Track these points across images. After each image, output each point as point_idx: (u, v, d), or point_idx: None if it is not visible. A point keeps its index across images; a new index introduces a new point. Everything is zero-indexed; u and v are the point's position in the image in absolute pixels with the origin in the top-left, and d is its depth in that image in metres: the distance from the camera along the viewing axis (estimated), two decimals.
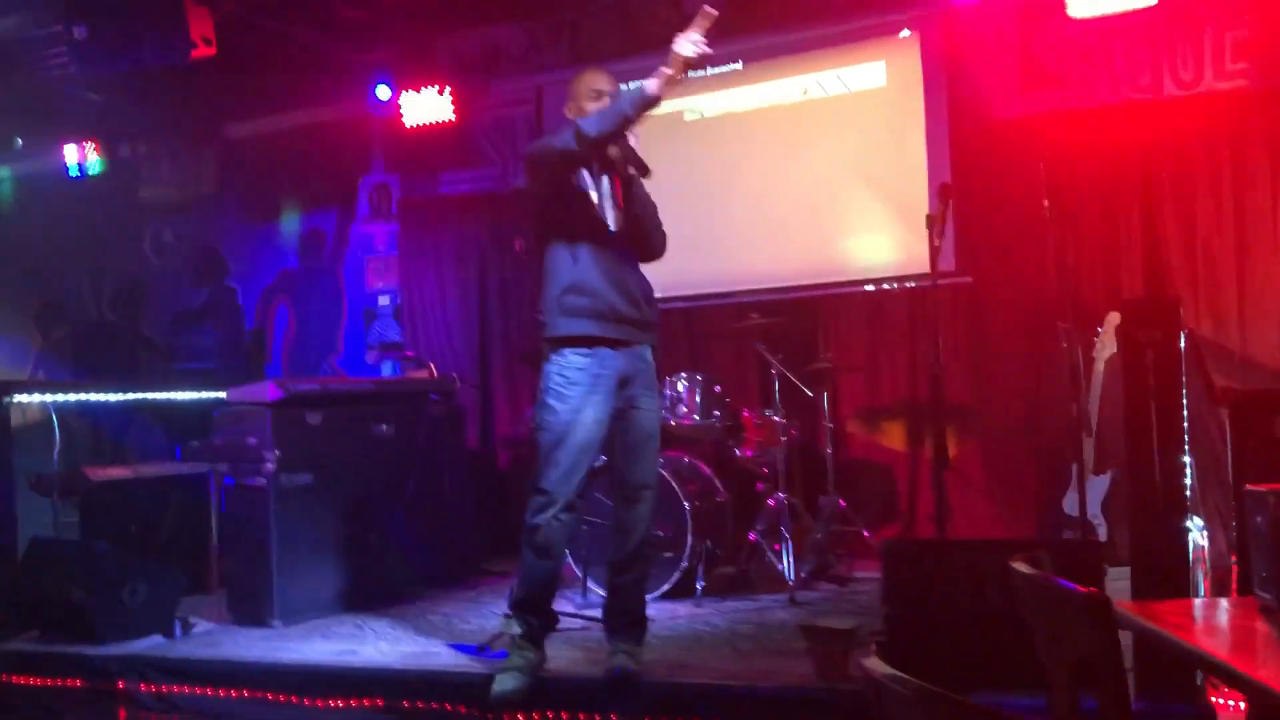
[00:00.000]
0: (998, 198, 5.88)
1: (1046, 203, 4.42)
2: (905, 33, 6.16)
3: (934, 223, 4.26)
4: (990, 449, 5.97)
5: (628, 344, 3.66)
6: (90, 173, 8.41)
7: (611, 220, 3.71)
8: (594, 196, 3.71)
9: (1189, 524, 3.22)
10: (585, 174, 3.72)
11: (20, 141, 7.91)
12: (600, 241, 3.65)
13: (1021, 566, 1.85)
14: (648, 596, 4.02)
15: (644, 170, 3.67)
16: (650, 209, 3.74)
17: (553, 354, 3.64)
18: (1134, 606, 1.99)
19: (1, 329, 8.92)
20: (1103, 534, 4.97)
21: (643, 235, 3.73)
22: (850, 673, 3.52)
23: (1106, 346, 5.04)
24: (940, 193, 4.47)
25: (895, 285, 6.09)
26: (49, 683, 4.48)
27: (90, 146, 8.37)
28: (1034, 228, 5.64)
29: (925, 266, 4.58)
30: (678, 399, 5.29)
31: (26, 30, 6.87)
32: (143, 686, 4.30)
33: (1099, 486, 5.08)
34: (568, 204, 3.69)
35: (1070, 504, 5.10)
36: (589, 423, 3.58)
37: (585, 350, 3.60)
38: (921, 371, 6.05)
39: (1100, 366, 5.06)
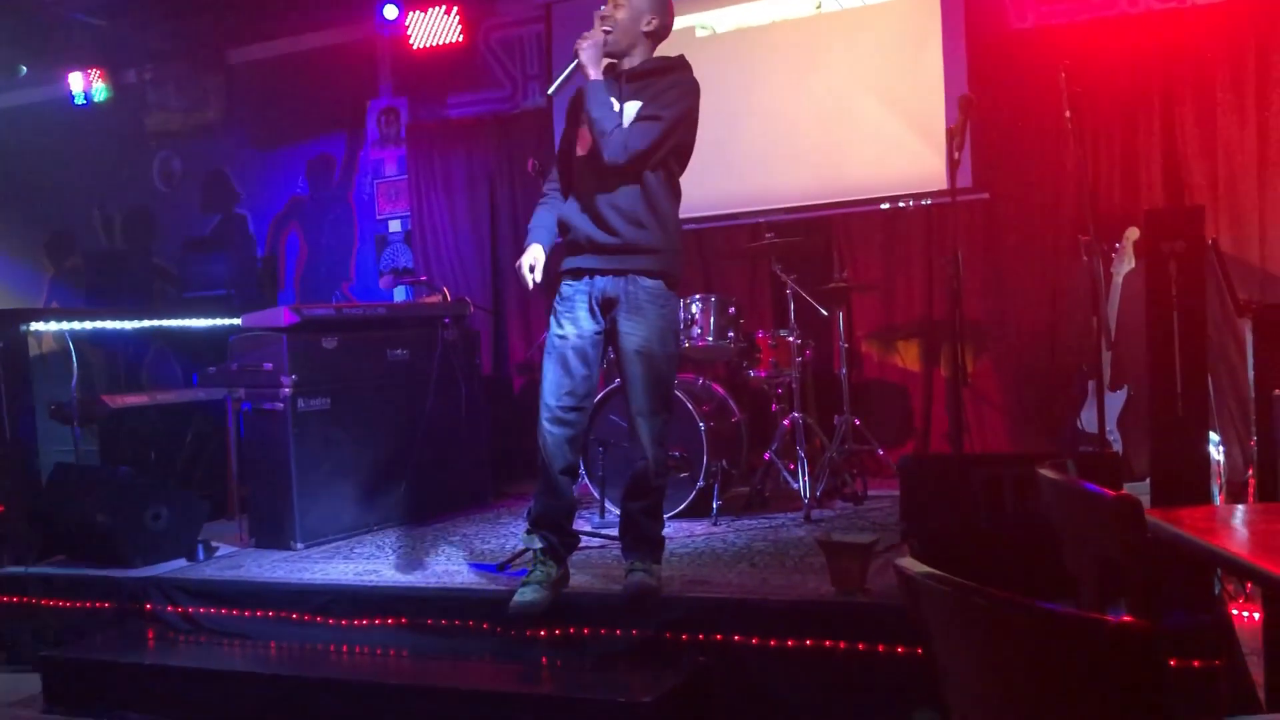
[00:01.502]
0: (1016, 111, 5.79)
1: (1068, 114, 4.35)
2: None
3: (953, 136, 4.19)
4: (1007, 366, 5.95)
5: (608, 270, 3.68)
6: (96, 100, 8.34)
7: (583, 146, 3.71)
8: (580, 133, 3.75)
9: (1208, 439, 3.22)
10: (579, 115, 3.75)
11: (24, 69, 7.82)
12: (583, 175, 3.71)
13: (1049, 472, 1.85)
14: (664, 515, 4.04)
15: (577, 64, 3.64)
16: (595, 123, 3.58)
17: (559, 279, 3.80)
18: (1157, 513, 1.99)
19: (14, 258, 8.93)
20: (1118, 449, 4.98)
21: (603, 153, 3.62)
22: (867, 586, 3.55)
23: (1125, 261, 5.01)
24: (960, 105, 4.39)
25: (911, 203, 6.02)
26: (79, 604, 4.56)
27: (95, 74, 8.30)
28: (1053, 141, 5.59)
29: (942, 183, 4.54)
30: (691, 320, 5.28)
31: None
32: (169, 608, 4.37)
33: (1115, 403, 5.08)
34: (561, 144, 3.86)
35: (1088, 420, 5.10)
36: (569, 338, 3.69)
37: (572, 276, 3.73)
38: (938, 289, 6.02)
39: (1119, 281, 5.02)
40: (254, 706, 3.86)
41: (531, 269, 3.74)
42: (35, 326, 5.47)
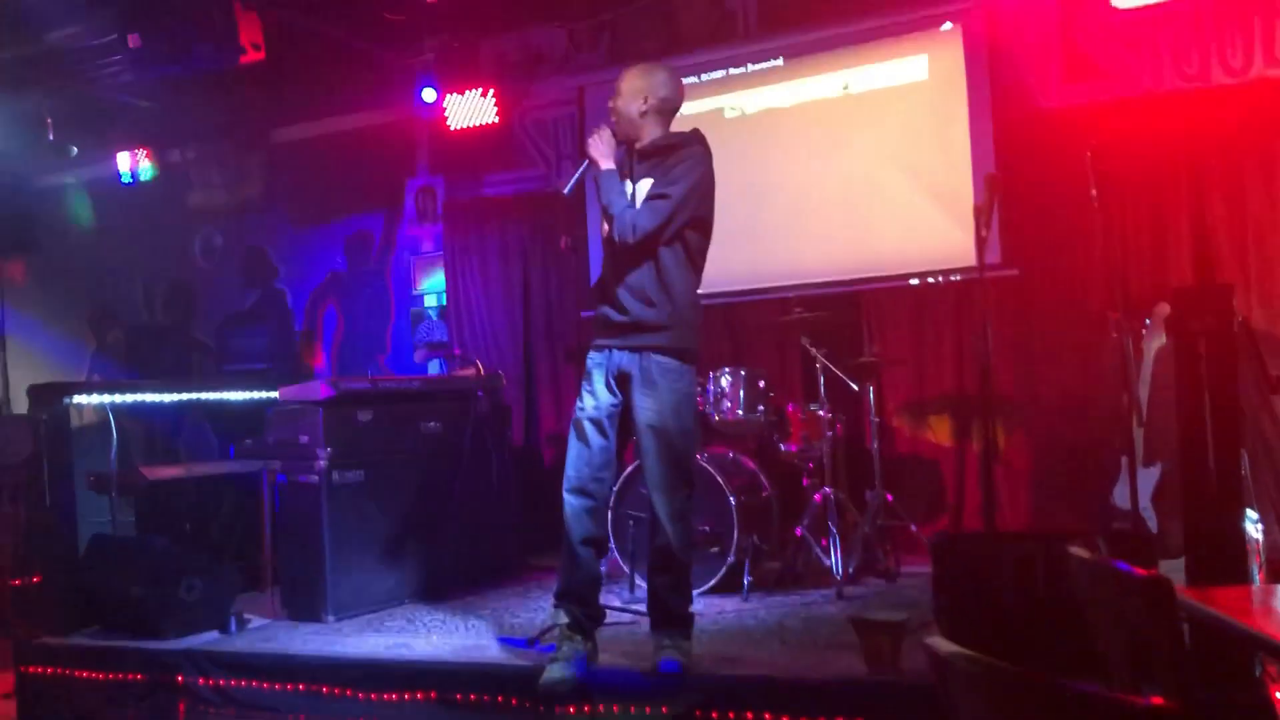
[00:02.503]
0: (1043, 189, 5.83)
1: (1094, 192, 4.38)
2: (947, 25, 6.13)
3: (981, 214, 4.24)
4: (1039, 442, 5.93)
5: (624, 346, 3.77)
6: (142, 179, 8.57)
7: (605, 227, 3.82)
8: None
9: (1243, 515, 3.19)
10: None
11: (75, 150, 8.07)
12: (606, 256, 3.86)
13: (1079, 551, 1.85)
14: (694, 592, 4.04)
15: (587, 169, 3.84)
16: (607, 207, 3.73)
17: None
18: (1192, 592, 1.98)
19: (59, 332, 9.12)
20: (1153, 527, 4.92)
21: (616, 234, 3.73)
22: (900, 665, 3.52)
23: (1156, 337, 5.00)
24: (987, 183, 4.44)
25: (940, 279, 6.06)
26: (111, 676, 4.58)
27: (142, 154, 8.54)
28: (1081, 219, 5.60)
29: (970, 259, 4.55)
30: (721, 394, 5.31)
31: (82, 40, 7.02)
32: (201, 680, 4.39)
33: (1149, 479, 5.03)
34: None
35: (1120, 496, 5.06)
36: (589, 409, 3.80)
37: (595, 350, 3.87)
38: (968, 364, 6.03)
39: (1149, 357, 5.01)
40: None
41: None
42: (77, 399, 5.58)
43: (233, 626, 4.80)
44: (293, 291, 8.42)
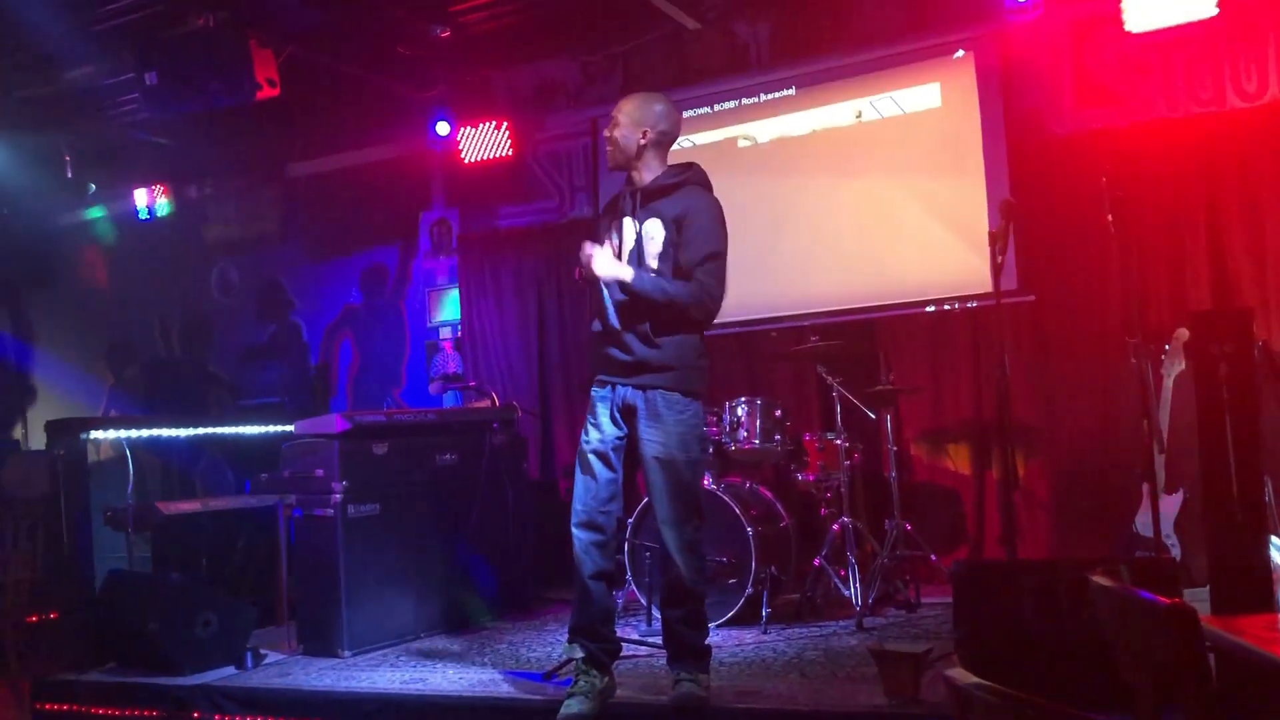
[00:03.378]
0: (1059, 215, 5.82)
1: (1110, 217, 4.36)
2: (959, 53, 6.14)
3: (996, 240, 4.22)
4: (1059, 469, 5.87)
5: (627, 383, 3.78)
6: (159, 215, 8.64)
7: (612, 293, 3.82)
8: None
9: (1268, 542, 3.14)
10: (607, 230, 3.92)
11: (93, 186, 8.15)
12: (608, 293, 3.82)
13: (1101, 579, 1.82)
14: (712, 624, 4.00)
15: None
16: (658, 302, 3.69)
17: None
18: (1216, 621, 1.95)
19: (76, 367, 9.17)
20: (1177, 554, 4.86)
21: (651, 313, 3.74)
22: (921, 697, 3.47)
23: (1175, 362, 4.95)
24: (1002, 209, 4.42)
25: (957, 305, 6.04)
26: (128, 712, 4.57)
27: (159, 190, 8.61)
28: (1097, 244, 5.60)
29: (986, 286, 4.54)
30: (737, 423, 5.28)
31: (100, 79, 7.11)
32: (217, 716, 4.37)
33: (1171, 506, 4.97)
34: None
35: (1143, 524, 5.00)
36: (594, 442, 3.80)
37: (598, 384, 3.87)
38: (986, 392, 5.99)
39: (1169, 382, 4.96)
40: None
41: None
42: (94, 434, 5.59)
43: (249, 662, 4.78)
44: (308, 325, 8.45)
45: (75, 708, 4.73)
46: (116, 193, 8.63)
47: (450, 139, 7.45)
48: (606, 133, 3.85)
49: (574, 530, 3.76)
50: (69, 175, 7.85)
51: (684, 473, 3.73)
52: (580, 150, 7.39)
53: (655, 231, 3.75)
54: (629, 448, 3.81)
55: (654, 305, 3.69)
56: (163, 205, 8.64)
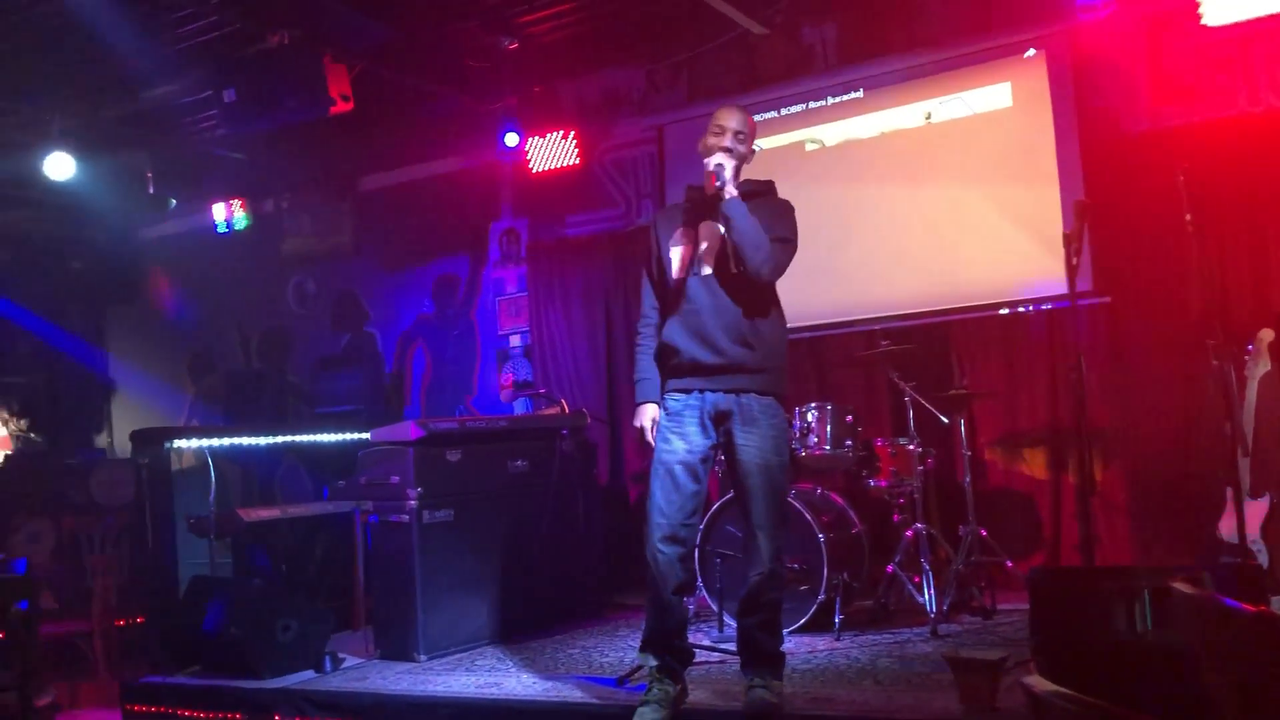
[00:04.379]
0: (1135, 214, 5.70)
1: (1189, 216, 4.26)
2: (1030, 52, 6.06)
3: (1070, 241, 4.15)
4: (1138, 474, 5.75)
5: (718, 388, 3.72)
6: (237, 228, 8.86)
7: (707, 264, 3.76)
8: (676, 256, 3.82)
9: None
10: (674, 236, 3.86)
11: (174, 202, 8.39)
12: (687, 298, 3.76)
13: (1184, 586, 1.79)
14: (784, 631, 3.98)
15: (723, 186, 3.70)
16: (742, 233, 3.65)
17: (664, 397, 3.86)
18: None
19: (158, 378, 9.43)
20: (1263, 560, 4.73)
21: (739, 268, 3.70)
22: (998, 705, 3.43)
23: (1259, 363, 4.83)
24: (1076, 210, 4.35)
25: (1031, 308, 5.95)
26: (211, 715, 4.68)
27: (237, 204, 8.83)
28: (1175, 243, 5.46)
29: (1061, 288, 4.48)
30: (808, 429, 5.26)
31: (179, 97, 7.31)
32: (297, 719, 4.45)
33: (1257, 511, 4.84)
34: (657, 276, 3.93)
35: (1227, 529, 4.87)
36: (678, 453, 3.72)
37: (680, 392, 3.78)
38: (1062, 395, 5.89)
39: (1253, 384, 4.84)
40: None
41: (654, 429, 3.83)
42: (177, 443, 5.75)
43: (327, 666, 4.87)
44: (382, 335, 8.60)
45: (162, 709, 4.85)
46: (196, 207, 8.86)
47: (518, 149, 7.53)
48: (730, 144, 3.78)
49: (658, 545, 3.68)
50: (150, 191, 8.08)
51: (778, 478, 3.73)
52: (646, 158, 7.42)
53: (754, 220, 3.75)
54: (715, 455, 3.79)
55: (737, 292, 3.68)
56: (241, 219, 8.86)
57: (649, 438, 3.84)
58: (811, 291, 6.26)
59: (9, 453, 9.39)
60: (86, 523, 7.42)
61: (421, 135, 8.07)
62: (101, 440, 9.55)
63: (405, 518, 4.98)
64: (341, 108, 6.22)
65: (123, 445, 8.95)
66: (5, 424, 9.60)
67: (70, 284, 9.48)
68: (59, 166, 7.32)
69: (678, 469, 3.71)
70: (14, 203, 8.26)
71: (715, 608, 5.09)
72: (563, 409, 5.96)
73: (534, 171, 7.61)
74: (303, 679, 4.76)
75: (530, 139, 7.53)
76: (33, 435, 9.71)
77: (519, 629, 5.33)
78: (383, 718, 4.28)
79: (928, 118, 6.35)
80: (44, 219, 8.87)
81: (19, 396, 10.05)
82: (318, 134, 7.67)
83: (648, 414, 3.86)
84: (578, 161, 7.50)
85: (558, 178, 7.60)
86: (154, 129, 7.93)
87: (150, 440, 5.60)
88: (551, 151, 7.53)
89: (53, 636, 6.36)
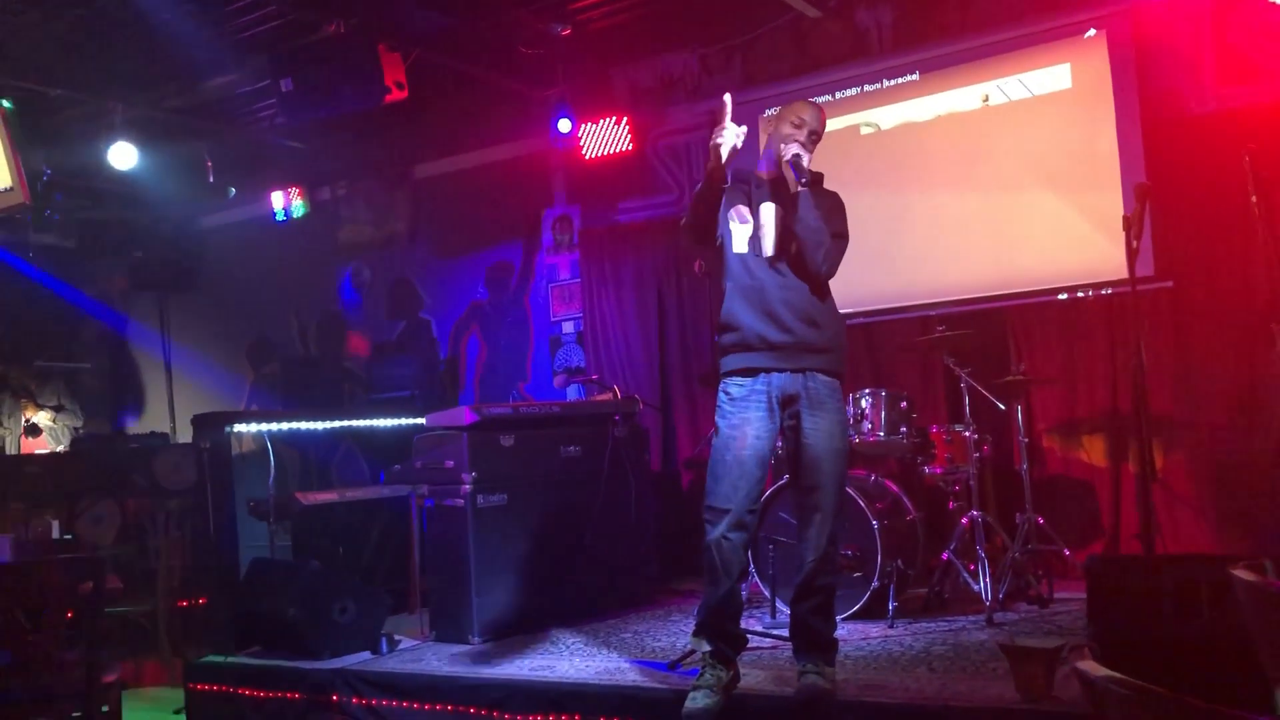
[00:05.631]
0: (1198, 196, 5.59)
1: (1254, 198, 4.17)
2: (1091, 32, 5.95)
3: (1131, 225, 4.08)
4: (1200, 461, 5.64)
5: (785, 368, 3.69)
6: (294, 216, 8.98)
7: (769, 246, 3.74)
8: (739, 232, 3.79)
9: None
10: (735, 211, 3.80)
11: (234, 190, 8.52)
12: (750, 274, 3.74)
13: (1245, 574, 1.75)
14: (838, 617, 3.97)
15: (806, 181, 3.66)
16: (810, 229, 3.64)
17: (722, 380, 3.81)
18: None
19: (219, 364, 9.60)
20: None
21: (800, 255, 3.69)
22: (1055, 694, 3.39)
23: None
24: (1137, 193, 4.28)
25: (1090, 293, 5.85)
26: (272, 694, 4.77)
27: (294, 192, 8.95)
28: (1239, 226, 5.35)
29: (1121, 272, 4.39)
30: (861, 416, 5.22)
31: (238, 87, 7.43)
32: (355, 699, 4.52)
33: None
34: (716, 249, 3.87)
35: None
36: (746, 439, 3.66)
37: (742, 375, 3.73)
38: (1122, 381, 5.79)
39: None
40: None
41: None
42: (237, 428, 5.85)
43: (384, 647, 4.94)
44: (437, 321, 8.67)
45: (223, 688, 4.96)
46: (254, 195, 8.99)
47: (571, 135, 7.55)
48: (803, 137, 3.75)
49: (723, 531, 3.63)
50: (210, 179, 8.22)
51: (842, 463, 3.73)
52: (699, 143, 7.39)
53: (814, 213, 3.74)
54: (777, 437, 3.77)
55: (802, 274, 3.67)
56: (298, 207, 8.98)
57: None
58: (866, 277, 6.21)
59: (61, 448, 9.63)
60: (149, 506, 7.59)
61: (475, 122, 8.12)
62: (164, 425, 9.75)
63: (460, 502, 5.03)
64: (396, 96, 6.28)
65: (184, 430, 9.13)
66: (43, 414, 9.85)
67: (133, 271, 9.67)
68: (122, 156, 7.47)
69: (746, 454, 3.67)
70: (79, 192, 8.44)
71: (768, 593, 5.08)
72: (615, 395, 5.98)
73: (587, 158, 7.63)
74: (359, 660, 4.83)
75: (583, 125, 7.54)
76: (72, 424, 9.95)
77: (572, 613, 5.36)
78: (437, 699, 4.33)
79: (985, 100, 6.26)
80: (108, 208, 9.06)
81: (83, 382, 10.31)
82: (373, 122, 7.76)
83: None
84: (630, 147, 7.50)
85: (610, 164, 7.61)
86: (213, 119, 8.08)
87: (211, 425, 5.70)
88: (604, 137, 7.54)
89: (118, 616, 6.51)
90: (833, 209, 3.79)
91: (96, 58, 6.92)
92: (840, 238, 3.76)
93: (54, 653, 4.27)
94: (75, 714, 4.31)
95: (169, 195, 8.59)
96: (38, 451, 9.54)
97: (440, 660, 4.71)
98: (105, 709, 4.44)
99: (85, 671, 4.33)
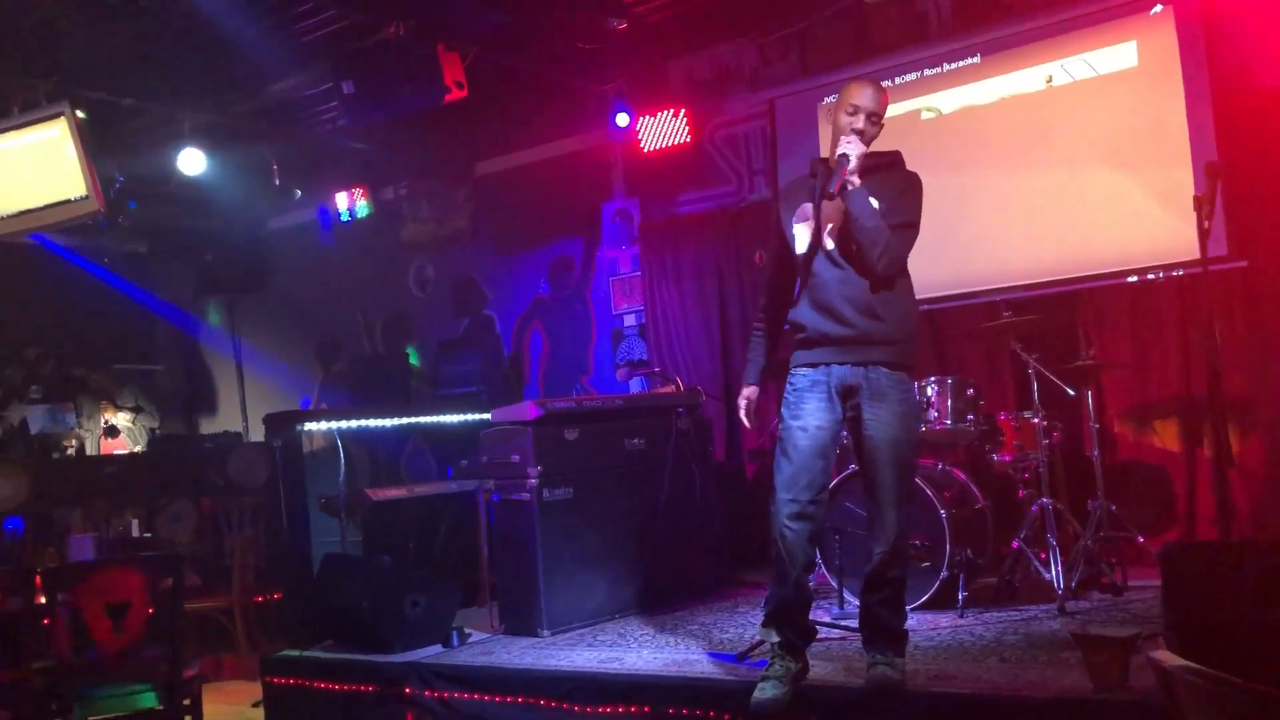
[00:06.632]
0: (1272, 174, 5.44)
1: None
2: (1157, 8, 5.81)
3: (1202, 204, 3.99)
4: (1277, 443, 5.50)
5: (846, 361, 3.67)
6: (359, 216, 9.11)
7: (829, 242, 3.71)
8: (802, 231, 3.77)
9: None
10: (799, 210, 3.79)
11: (299, 192, 8.67)
12: (813, 271, 3.73)
13: None
14: (907, 607, 3.94)
15: (853, 179, 3.62)
16: (864, 229, 3.59)
17: (789, 372, 3.83)
18: None
19: (287, 363, 9.79)
20: None
21: (858, 254, 3.66)
22: (1129, 683, 3.34)
23: None
24: (1208, 172, 4.19)
25: (1161, 275, 5.73)
26: (345, 687, 4.86)
27: (358, 192, 9.08)
28: None
29: (1193, 252, 4.31)
30: (927, 404, 5.17)
31: (301, 90, 7.55)
32: (426, 692, 4.59)
33: None
34: (783, 249, 3.90)
35: None
36: (809, 430, 3.66)
37: (805, 367, 3.75)
38: (1195, 364, 5.66)
39: None
40: None
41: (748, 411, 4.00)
42: (308, 426, 5.96)
43: (454, 640, 5.00)
44: (500, 317, 8.75)
45: (299, 682, 5.06)
46: (319, 197, 9.14)
47: (629, 129, 7.56)
48: (860, 124, 3.69)
49: (786, 522, 3.64)
50: (276, 182, 8.37)
51: (906, 454, 3.70)
52: (758, 133, 7.36)
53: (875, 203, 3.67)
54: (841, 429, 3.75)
55: (866, 260, 3.62)
56: (362, 207, 9.11)
57: (742, 415, 4.00)
58: (929, 263, 6.08)
59: (139, 448, 9.87)
60: (224, 504, 7.77)
61: (534, 118, 8.17)
62: (236, 424, 9.96)
63: (526, 496, 5.07)
64: (456, 95, 6.34)
65: (256, 429, 9.32)
66: (122, 415, 10.10)
67: (203, 274, 9.88)
68: (191, 162, 7.64)
69: (806, 445, 3.67)
70: (150, 199, 8.64)
71: (835, 584, 5.06)
72: (678, 386, 5.99)
73: (645, 151, 7.64)
74: (431, 653, 4.89)
75: (641, 118, 7.55)
76: (149, 425, 10.19)
77: (639, 605, 5.39)
78: (508, 691, 4.37)
79: (1048, 81, 6.15)
80: (178, 213, 9.26)
81: (158, 383, 10.56)
82: (435, 121, 7.83)
83: (743, 394, 4.03)
84: (689, 139, 7.49)
85: (669, 156, 7.61)
86: (278, 122, 8.22)
87: (283, 423, 5.81)
88: (662, 130, 7.54)
89: (197, 612, 6.68)
90: (901, 195, 3.71)
91: (164, 66, 7.08)
92: (906, 228, 3.68)
93: (137, 648, 4.40)
94: (158, 708, 4.43)
95: (236, 199, 8.77)
96: (117, 452, 9.79)
97: (510, 653, 4.76)
98: (186, 702, 4.56)
99: (167, 666, 4.45)
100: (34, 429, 9.27)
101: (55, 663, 4.44)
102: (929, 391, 5.18)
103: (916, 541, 4.79)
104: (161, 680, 4.42)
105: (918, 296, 3.90)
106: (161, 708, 4.43)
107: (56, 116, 6.79)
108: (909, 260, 3.77)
